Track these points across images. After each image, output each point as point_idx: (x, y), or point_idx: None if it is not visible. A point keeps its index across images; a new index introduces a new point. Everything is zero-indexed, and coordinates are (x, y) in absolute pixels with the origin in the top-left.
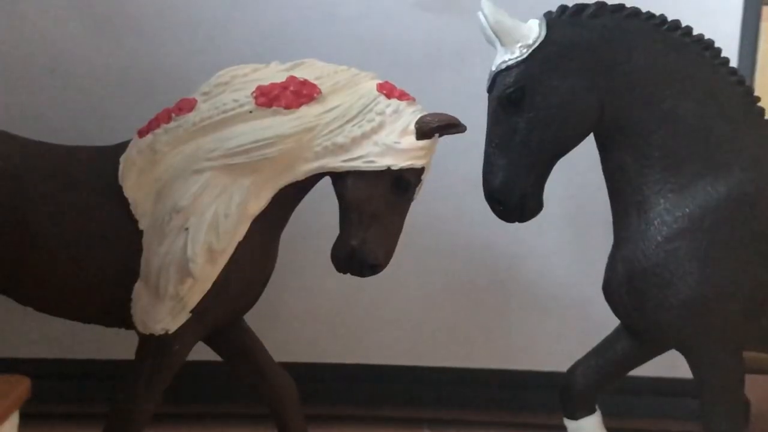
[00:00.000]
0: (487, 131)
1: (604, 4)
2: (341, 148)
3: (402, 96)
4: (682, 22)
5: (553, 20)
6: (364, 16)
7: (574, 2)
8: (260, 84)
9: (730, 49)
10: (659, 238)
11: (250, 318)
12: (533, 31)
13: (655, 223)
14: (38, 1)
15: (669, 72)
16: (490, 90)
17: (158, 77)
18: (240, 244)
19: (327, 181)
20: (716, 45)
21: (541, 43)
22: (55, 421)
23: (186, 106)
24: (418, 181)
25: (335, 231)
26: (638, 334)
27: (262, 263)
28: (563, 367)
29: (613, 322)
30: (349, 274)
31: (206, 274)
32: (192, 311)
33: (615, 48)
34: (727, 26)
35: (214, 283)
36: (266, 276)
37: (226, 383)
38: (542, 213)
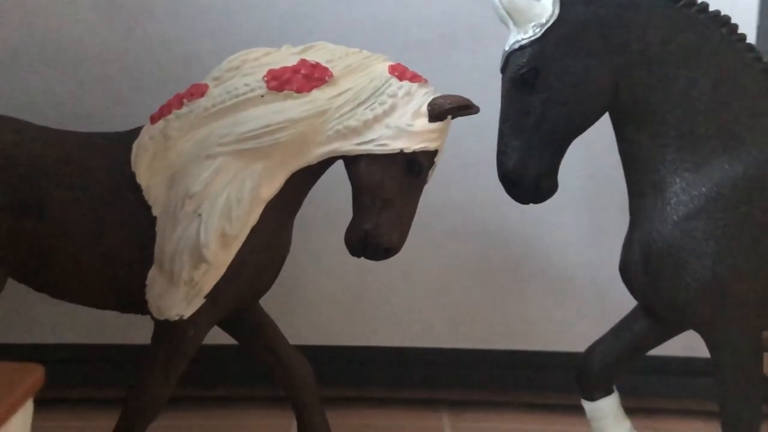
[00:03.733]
0: (500, 112)
1: None
2: (353, 132)
3: (414, 78)
4: None
5: None
6: None
7: None
8: (271, 68)
9: (749, 26)
10: (675, 217)
11: (266, 302)
12: (546, 10)
13: (672, 202)
14: None
15: (684, 50)
16: (503, 70)
17: (170, 62)
18: (253, 229)
19: (341, 164)
20: (733, 21)
21: (554, 23)
22: (70, 406)
23: (197, 91)
24: (432, 163)
25: (349, 215)
26: (655, 314)
27: (276, 247)
28: (580, 347)
29: (630, 302)
30: (363, 258)
31: (220, 259)
32: (206, 296)
33: (629, 26)
34: (745, 2)
35: (228, 268)
36: (280, 260)
37: (241, 367)
38: (558, 194)
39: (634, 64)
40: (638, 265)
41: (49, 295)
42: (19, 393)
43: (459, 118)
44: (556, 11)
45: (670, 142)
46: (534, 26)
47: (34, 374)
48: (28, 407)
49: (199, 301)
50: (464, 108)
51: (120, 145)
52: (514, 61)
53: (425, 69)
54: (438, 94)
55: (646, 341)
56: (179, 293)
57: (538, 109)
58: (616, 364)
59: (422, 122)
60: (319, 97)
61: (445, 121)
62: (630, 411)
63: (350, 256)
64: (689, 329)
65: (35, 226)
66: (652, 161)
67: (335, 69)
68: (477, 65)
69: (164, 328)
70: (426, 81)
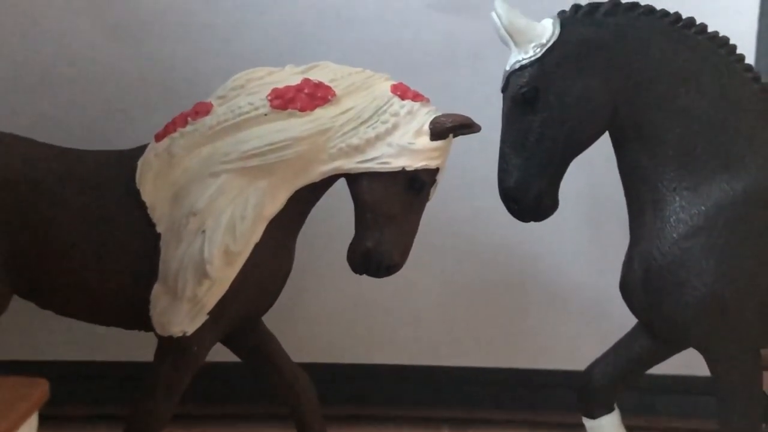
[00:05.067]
0: (501, 131)
1: (618, 2)
2: (356, 150)
3: (416, 97)
4: (697, 19)
5: (567, 19)
6: (378, 18)
7: (588, 1)
8: (275, 87)
9: (747, 47)
10: (675, 235)
11: (269, 319)
12: (547, 30)
13: (671, 220)
14: (56, 7)
15: (683, 70)
16: (504, 90)
17: (175, 81)
18: (256, 245)
19: (343, 182)
20: (731, 42)
21: (554, 43)
22: (74, 423)
23: (202, 109)
24: (433, 181)
25: (351, 232)
26: (655, 332)
27: (279, 264)
28: (582, 365)
29: (630, 320)
30: (365, 275)
31: (223, 276)
32: (210, 313)
33: (629, 46)
34: (743, 23)
35: (232, 285)
36: (283, 277)
37: (244, 384)
38: (559, 212)
39: (634, 84)
40: (638, 282)
41: (54, 312)
42: (26, 406)
43: (460, 137)
44: (557, 32)
45: (669, 161)
46: (534, 46)
47: (40, 388)
48: (34, 421)
49: (202, 318)
50: (465, 127)
51: (125, 162)
52: (515, 81)
53: (427, 88)
54: (440, 113)
55: (646, 359)
56: (183, 310)
57: (539, 128)
58: (617, 381)
59: (424, 141)
60: (322, 115)
61: (446, 139)
62: (631, 429)
63: (352, 273)
64: (689, 347)
65: (39, 244)
66: (652, 180)
67: (338, 88)
68: (478, 85)
69: (168, 345)
70: (428, 100)
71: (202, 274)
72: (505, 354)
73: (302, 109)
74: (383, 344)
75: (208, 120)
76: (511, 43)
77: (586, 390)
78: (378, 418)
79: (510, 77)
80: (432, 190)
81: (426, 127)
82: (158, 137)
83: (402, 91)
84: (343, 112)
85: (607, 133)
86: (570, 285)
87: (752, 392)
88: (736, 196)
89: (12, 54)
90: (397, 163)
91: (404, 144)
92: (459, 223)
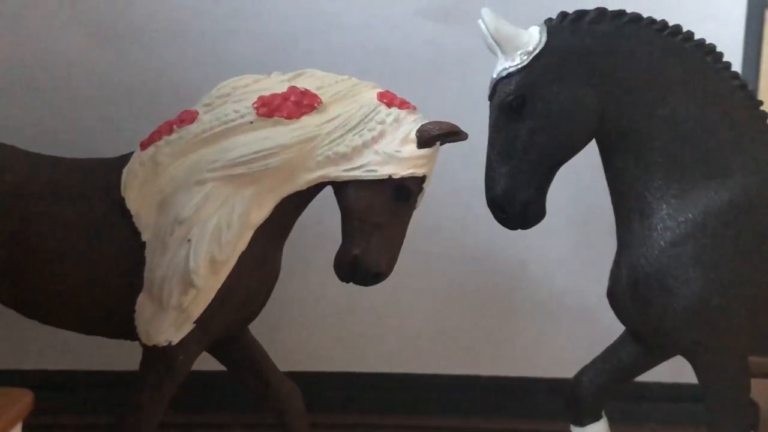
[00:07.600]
0: (488, 139)
1: (605, 10)
2: (342, 158)
3: (402, 105)
4: (684, 27)
5: (554, 27)
6: (365, 25)
7: (575, 9)
8: (261, 95)
9: (734, 54)
10: (662, 243)
11: (255, 327)
12: (534, 38)
13: (658, 228)
14: (43, 14)
15: (670, 77)
16: (491, 97)
17: (161, 89)
18: (242, 254)
19: (330, 190)
20: (718, 50)
21: (541, 50)
22: None
23: (188, 117)
24: (420, 189)
25: (338, 240)
26: (643, 339)
27: (265, 273)
28: (569, 373)
29: (618, 328)
30: (352, 283)
31: (209, 284)
32: (195, 322)
33: (615, 54)
34: (730, 31)
35: (217, 294)
36: (269, 285)
37: (230, 393)
38: (546, 219)
39: (621, 92)
40: (626, 290)
41: (38, 321)
42: (8, 418)
43: (447, 145)
44: (544, 39)
45: (656, 169)
46: (521, 54)
47: (23, 399)
48: None
49: (188, 327)
50: (452, 134)
51: (110, 170)
52: (502, 89)
53: (414, 96)
54: (426, 121)
55: (634, 367)
56: (168, 319)
57: (526, 135)
58: (605, 389)
59: (411, 148)
60: (308, 123)
61: (433, 147)
62: None
63: (339, 281)
64: (677, 355)
65: (23, 252)
66: (639, 187)
67: (324, 96)
68: (465, 92)
69: (153, 354)
70: (414, 108)
71: (187, 283)
72: (493, 362)
73: (288, 117)
74: (370, 352)
75: (193, 128)
76: (498, 51)
77: (573, 398)
78: (365, 426)
79: (497, 85)
80: (419, 197)
81: (413, 135)
82: (143, 145)
83: (389, 99)
84: (330, 120)
85: (594, 141)
86: (557, 292)
87: (741, 400)
88: (723, 203)
89: None
90: (383, 171)
91: (391, 152)
92: (446, 230)
